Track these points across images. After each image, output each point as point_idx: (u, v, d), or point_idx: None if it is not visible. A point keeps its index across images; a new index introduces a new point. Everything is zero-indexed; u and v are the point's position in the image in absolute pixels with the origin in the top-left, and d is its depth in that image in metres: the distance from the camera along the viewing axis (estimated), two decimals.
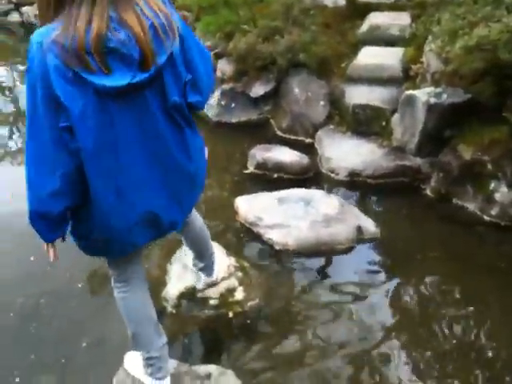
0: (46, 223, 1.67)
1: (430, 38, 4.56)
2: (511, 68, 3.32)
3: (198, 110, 1.88)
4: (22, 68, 7.43)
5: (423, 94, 3.79)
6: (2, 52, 8.15)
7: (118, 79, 1.52)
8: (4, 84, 6.88)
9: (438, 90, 3.82)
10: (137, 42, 1.52)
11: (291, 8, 5.19)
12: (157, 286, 2.91)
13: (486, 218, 3.50)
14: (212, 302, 2.75)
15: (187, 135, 1.77)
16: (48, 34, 1.48)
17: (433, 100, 3.71)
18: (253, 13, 5.43)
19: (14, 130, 5.47)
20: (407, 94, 3.93)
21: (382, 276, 3.14)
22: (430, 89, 3.87)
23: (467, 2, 3.57)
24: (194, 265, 2.73)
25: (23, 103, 6.14)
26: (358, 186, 3.94)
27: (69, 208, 1.67)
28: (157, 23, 1.57)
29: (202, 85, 1.79)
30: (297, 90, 4.71)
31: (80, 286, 2.99)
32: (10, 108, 6.13)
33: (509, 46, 3.05)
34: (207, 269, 2.72)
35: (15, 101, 6.27)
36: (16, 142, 5.15)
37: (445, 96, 3.73)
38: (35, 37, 1.50)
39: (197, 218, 2.43)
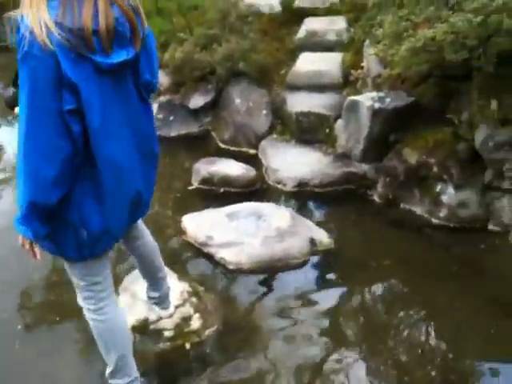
0: (41, 215, 1.64)
1: (367, 41, 4.58)
2: (455, 69, 3.34)
3: (153, 92, 1.95)
4: None
5: (367, 99, 3.77)
6: None
7: (117, 56, 1.60)
8: None
9: (381, 94, 3.81)
10: (127, 19, 1.61)
11: (228, 15, 5.09)
12: None
13: (434, 220, 3.51)
14: (167, 333, 2.58)
15: (152, 115, 1.88)
16: (49, 15, 1.47)
17: (377, 105, 3.70)
18: (188, 21, 5.29)
19: None
20: (350, 99, 3.91)
21: (339, 288, 3.08)
22: (373, 93, 3.86)
23: (409, 3, 3.57)
24: (149, 297, 2.57)
25: None
26: (307, 196, 3.87)
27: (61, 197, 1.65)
28: (132, 3, 1.67)
29: (156, 68, 1.88)
30: (238, 100, 4.61)
31: (20, 327, 2.75)
32: None
33: (454, 47, 3.06)
34: (163, 301, 2.57)
35: None
36: None
37: (388, 100, 3.73)
38: (32, 19, 1.46)
39: (145, 229, 2.32)
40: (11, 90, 2.07)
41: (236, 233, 3.30)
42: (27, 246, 1.74)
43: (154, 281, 2.49)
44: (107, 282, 2.00)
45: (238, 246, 3.21)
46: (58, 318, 2.80)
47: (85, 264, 1.89)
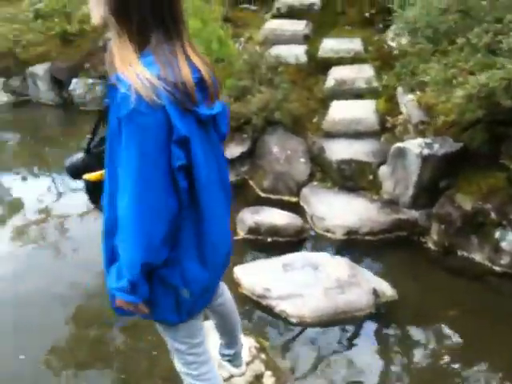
0: (146, 275, 1.55)
1: (400, 88, 4.61)
2: (506, 114, 3.32)
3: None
4: None
5: (415, 146, 3.73)
6: None
7: (215, 108, 1.61)
8: None
9: (428, 140, 3.78)
10: (212, 73, 1.62)
11: (256, 67, 5.12)
12: (171, 379, 2.59)
13: (496, 268, 3.42)
14: None
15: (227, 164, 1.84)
16: (149, 71, 1.43)
17: (426, 151, 3.66)
18: (216, 74, 5.31)
19: None
20: (397, 146, 3.87)
21: (409, 341, 2.97)
22: (419, 140, 3.83)
23: (453, 50, 3.59)
24: (222, 355, 2.43)
25: None
26: (358, 245, 3.77)
27: None
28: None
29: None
30: (276, 149, 4.57)
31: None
32: None
33: (508, 92, 3.04)
34: (236, 358, 2.43)
35: None
36: None
37: (436, 146, 3.69)
38: (131, 77, 1.41)
39: (223, 284, 2.21)
40: (78, 157, 1.90)
41: (294, 284, 3.18)
42: (131, 308, 1.63)
43: (231, 338, 2.37)
44: (205, 343, 1.88)
45: (299, 299, 3.09)
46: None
47: (182, 326, 1.77)
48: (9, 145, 6.72)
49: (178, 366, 1.90)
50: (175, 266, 1.61)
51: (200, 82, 1.54)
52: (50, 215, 4.57)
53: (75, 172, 1.91)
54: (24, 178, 5.43)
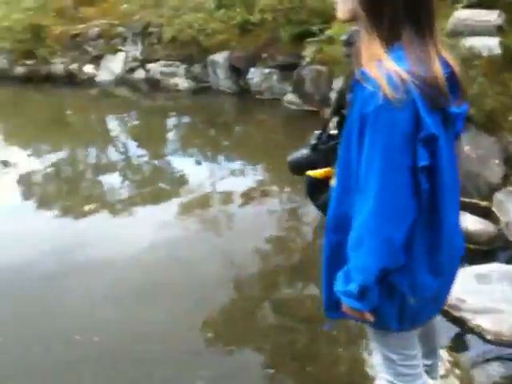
0: (379, 282, 1.46)
1: None
2: None
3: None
4: (135, 122, 7.47)
5: None
6: (123, 106, 8.29)
7: (464, 106, 1.53)
8: (117, 136, 6.98)
9: None
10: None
11: None
12: (361, 379, 2.51)
13: None
14: None
15: None
16: (398, 66, 1.36)
17: None
18: None
19: (123, 179, 5.50)
20: None
21: None
22: None
23: None
24: None
25: (132, 152, 6.04)
26: None
27: None
28: None
29: None
30: (467, 147, 4.25)
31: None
32: (120, 157, 6.15)
33: None
34: (433, 370, 2.25)
35: (124, 151, 6.28)
36: (123, 192, 5.12)
37: None
38: (378, 73, 1.34)
39: None
40: (302, 152, 1.89)
41: (491, 298, 2.92)
42: (356, 315, 1.55)
43: (431, 349, 2.20)
44: (420, 355, 1.76)
45: (497, 314, 2.83)
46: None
47: (402, 335, 1.66)
48: (186, 128, 7.15)
49: (386, 375, 1.79)
50: (405, 273, 1.52)
51: (450, 78, 1.44)
52: (213, 193, 4.90)
53: (297, 168, 1.92)
54: (197, 161, 5.78)
